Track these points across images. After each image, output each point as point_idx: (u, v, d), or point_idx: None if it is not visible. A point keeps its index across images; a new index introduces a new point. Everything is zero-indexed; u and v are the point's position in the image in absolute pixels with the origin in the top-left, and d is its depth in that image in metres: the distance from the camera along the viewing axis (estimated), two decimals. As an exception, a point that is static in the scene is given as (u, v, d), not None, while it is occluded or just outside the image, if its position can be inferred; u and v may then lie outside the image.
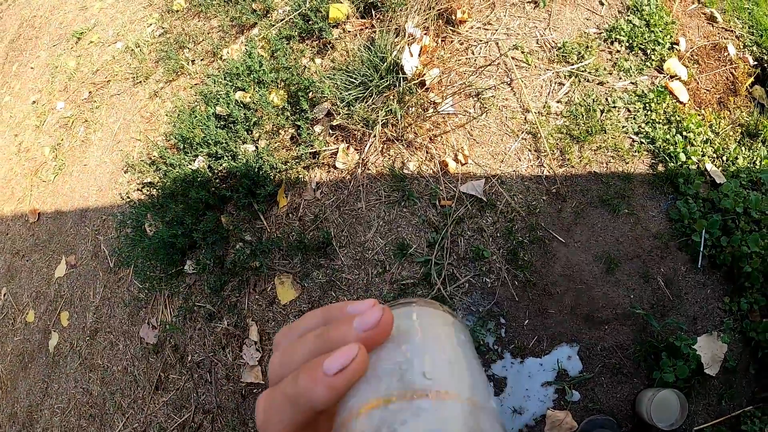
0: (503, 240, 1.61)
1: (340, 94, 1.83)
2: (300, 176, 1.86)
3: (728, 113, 1.79)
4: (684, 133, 1.69)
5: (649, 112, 1.73)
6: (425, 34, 1.91)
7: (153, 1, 2.96)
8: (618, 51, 1.85)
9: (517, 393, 1.47)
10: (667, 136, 1.68)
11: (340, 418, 0.23)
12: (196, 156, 2.00)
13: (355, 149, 1.83)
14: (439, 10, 1.95)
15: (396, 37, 1.88)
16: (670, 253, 1.56)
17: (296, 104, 1.94)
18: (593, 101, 1.76)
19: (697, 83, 1.82)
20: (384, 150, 1.79)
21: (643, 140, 1.70)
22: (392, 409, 0.21)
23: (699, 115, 1.75)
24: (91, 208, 2.43)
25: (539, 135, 1.72)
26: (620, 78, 1.80)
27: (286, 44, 2.13)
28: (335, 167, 1.84)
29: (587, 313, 1.52)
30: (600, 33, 1.89)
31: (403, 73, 1.77)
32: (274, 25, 2.27)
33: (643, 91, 1.76)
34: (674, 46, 1.86)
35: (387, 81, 1.78)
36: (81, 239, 2.39)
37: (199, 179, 1.90)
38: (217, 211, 1.94)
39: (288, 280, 1.76)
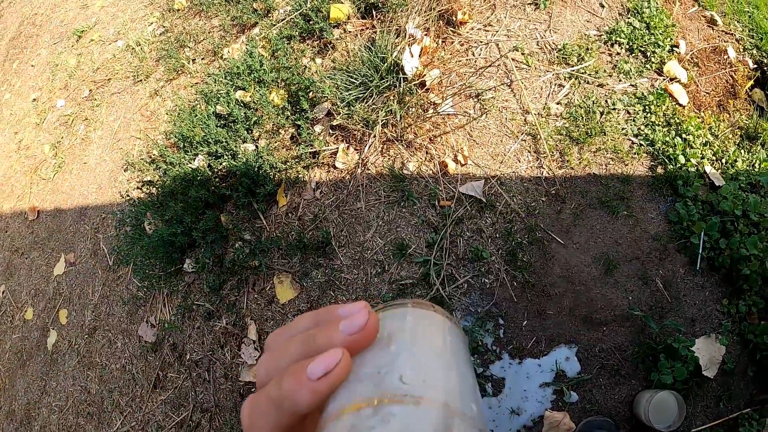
0: (502, 241, 1.61)
1: (341, 94, 1.84)
2: (300, 176, 1.86)
3: (728, 116, 1.79)
4: (683, 136, 1.69)
5: (648, 115, 1.73)
6: (426, 35, 1.92)
7: (154, 0, 2.97)
8: (618, 53, 1.86)
9: (516, 394, 1.47)
10: (667, 139, 1.68)
11: (321, 422, 0.23)
12: (196, 155, 2.00)
13: (355, 149, 1.84)
14: (439, 11, 1.95)
15: (396, 38, 1.88)
16: (668, 255, 1.57)
17: (296, 104, 1.94)
18: (593, 103, 1.76)
19: (697, 86, 1.82)
20: (384, 150, 1.80)
21: (642, 142, 1.70)
22: (363, 415, 0.21)
23: (698, 117, 1.75)
24: (90, 206, 2.43)
25: (539, 136, 1.72)
26: (620, 80, 1.81)
27: (287, 44, 2.13)
28: (335, 167, 1.84)
29: (586, 314, 1.52)
30: (600, 35, 1.90)
31: (404, 73, 1.78)
32: (275, 25, 2.27)
33: (642, 94, 1.77)
34: (674, 48, 1.86)
35: (387, 81, 1.79)
36: (80, 237, 2.39)
37: (198, 178, 1.90)
38: (217, 210, 1.94)
39: (287, 280, 1.76)
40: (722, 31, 1.95)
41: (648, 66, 1.82)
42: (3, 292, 2.56)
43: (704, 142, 1.70)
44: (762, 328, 1.44)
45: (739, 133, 1.75)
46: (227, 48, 2.39)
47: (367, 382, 0.23)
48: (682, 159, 1.64)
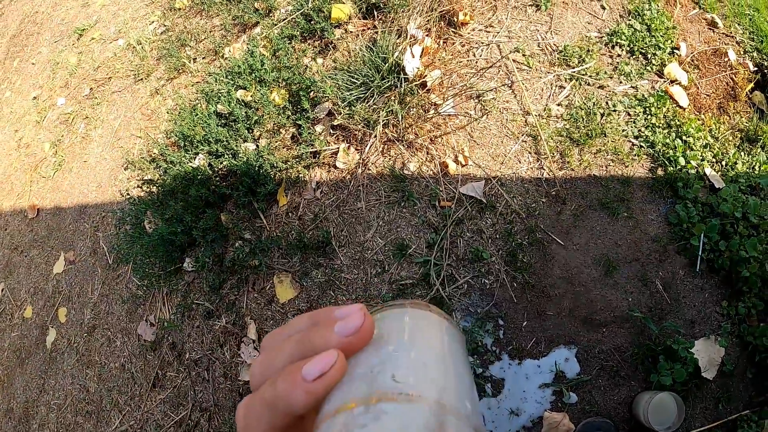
0: (502, 241, 1.61)
1: (342, 94, 1.84)
2: (300, 175, 1.86)
3: (728, 118, 1.79)
4: (684, 138, 1.69)
5: (649, 116, 1.74)
6: (427, 35, 1.92)
7: (155, -1, 2.97)
8: (619, 55, 1.86)
9: (515, 394, 1.47)
10: (667, 141, 1.69)
11: (316, 422, 0.23)
12: (197, 154, 2.00)
13: (356, 149, 1.84)
14: (441, 12, 1.95)
15: (398, 38, 1.89)
16: (668, 256, 1.57)
17: (297, 103, 1.94)
18: (594, 104, 1.76)
19: (698, 88, 1.83)
20: (384, 150, 1.80)
21: (642, 144, 1.70)
22: (355, 413, 0.21)
23: (699, 119, 1.76)
24: (90, 205, 2.43)
25: (539, 137, 1.72)
26: (621, 82, 1.81)
27: (288, 44, 2.13)
28: (335, 167, 1.84)
29: (585, 315, 1.52)
30: (601, 37, 1.90)
31: (405, 74, 1.78)
32: (276, 25, 2.27)
33: (643, 95, 1.77)
34: (675, 50, 1.86)
35: (388, 82, 1.79)
36: (80, 235, 2.39)
37: (199, 177, 1.90)
38: (217, 209, 1.94)
39: (287, 279, 1.76)
40: (723, 33, 1.96)
41: (649, 68, 1.82)
42: (2, 290, 2.56)
43: (704, 144, 1.70)
44: (761, 330, 1.44)
45: (739, 135, 1.76)
46: (228, 47, 2.39)
47: (361, 381, 0.23)
48: (682, 161, 1.64)
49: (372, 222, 1.73)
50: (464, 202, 1.67)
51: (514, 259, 1.59)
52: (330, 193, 1.82)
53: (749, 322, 1.49)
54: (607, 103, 1.77)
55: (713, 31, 1.96)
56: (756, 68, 1.88)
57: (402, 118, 1.74)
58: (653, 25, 1.87)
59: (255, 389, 0.26)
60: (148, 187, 2.05)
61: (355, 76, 1.85)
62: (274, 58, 2.14)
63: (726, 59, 1.88)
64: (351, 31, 2.09)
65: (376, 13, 2.07)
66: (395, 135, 1.77)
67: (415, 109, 1.78)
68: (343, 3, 2.09)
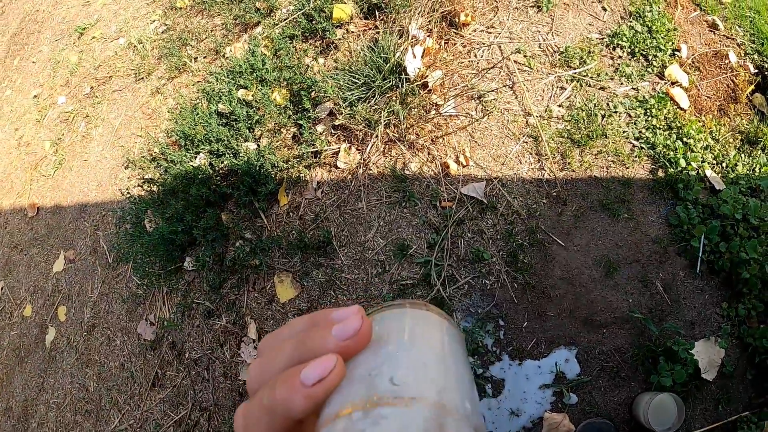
0: (503, 242, 1.62)
1: (343, 94, 1.84)
2: (301, 175, 1.86)
3: (728, 120, 1.80)
4: (684, 139, 1.70)
5: (649, 118, 1.74)
6: (428, 36, 1.92)
7: (156, -2, 2.97)
8: (620, 56, 1.86)
9: (515, 395, 1.47)
10: (668, 142, 1.69)
11: (316, 427, 0.23)
12: (198, 153, 2.00)
13: (357, 149, 1.84)
14: (442, 12, 1.96)
15: (399, 39, 1.89)
16: (669, 258, 1.57)
17: (298, 103, 1.94)
18: (594, 106, 1.76)
19: (698, 90, 1.83)
20: (386, 150, 1.80)
21: (643, 145, 1.71)
22: (354, 418, 0.21)
23: (699, 121, 1.76)
24: (90, 204, 2.43)
25: (540, 138, 1.73)
26: (622, 83, 1.81)
27: (290, 43, 2.13)
28: (336, 167, 1.84)
29: (586, 316, 1.52)
30: (602, 38, 1.90)
31: (406, 74, 1.78)
32: (277, 24, 2.27)
33: (644, 97, 1.77)
34: (676, 52, 1.87)
35: (390, 82, 1.79)
36: (80, 234, 2.39)
37: (200, 176, 1.90)
38: (218, 208, 1.94)
39: (287, 279, 1.76)
40: (723, 35, 1.96)
41: (650, 69, 1.83)
42: (2, 289, 2.56)
43: (705, 146, 1.71)
44: (761, 332, 1.44)
45: (740, 137, 1.76)
46: (229, 47, 2.39)
47: (359, 385, 0.23)
48: (682, 162, 1.65)
49: (373, 222, 1.73)
50: (465, 203, 1.67)
51: (514, 260, 1.59)
52: (331, 192, 1.82)
53: (749, 324, 1.50)
54: (608, 104, 1.78)
55: (714, 33, 1.97)
56: (756, 70, 1.89)
57: (403, 118, 1.75)
58: (654, 27, 1.88)
59: (252, 393, 0.26)
60: (148, 186, 2.04)
61: (357, 76, 1.85)
62: (275, 57, 2.14)
63: (727, 61, 1.89)
64: (352, 32, 2.09)
65: (377, 13, 2.07)
66: (396, 135, 1.78)
67: (416, 110, 1.78)
68: (345, 3, 2.09)
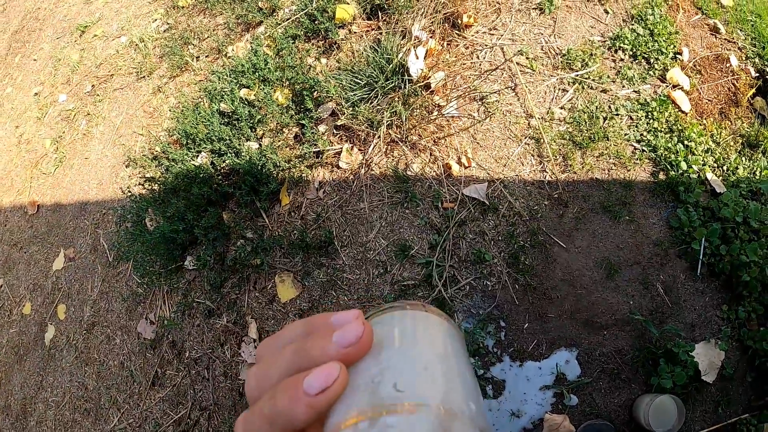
0: (505, 243, 1.62)
1: (345, 94, 1.84)
2: (303, 175, 1.87)
3: (729, 123, 1.80)
4: (685, 142, 1.70)
5: (651, 121, 1.75)
6: (431, 37, 1.93)
7: (158, -3, 2.96)
8: (622, 59, 1.87)
9: (516, 396, 1.47)
10: (669, 145, 1.70)
11: None
12: (199, 152, 2.00)
13: (359, 149, 1.84)
14: (445, 13, 1.96)
15: (402, 39, 1.89)
16: (669, 260, 1.58)
17: (301, 103, 1.94)
18: (596, 108, 1.77)
19: (699, 93, 1.84)
20: (388, 151, 1.80)
21: (644, 148, 1.71)
22: (360, 429, 0.21)
23: (700, 124, 1.77)
24: (91, 202, 2.42)
25: (542, 140, 1.73)
26: (623, 86, 1.82)
27: (292, 43, 2.13)
28: (338, 167, 1.84)
29: (587, 318, 1.53)
30: (604, 41, 1.91)
31: (409, 75, 1.78)
32: (280, 24, 2.27)
33: (645, 100, 1.78)
34: (677, 55, 1.87)
35: (392, 83, 1.79)
36: (80, 232, 2.38)
37: (201, 175, 1.90)
38: (219, 207, 1.94)
39: (289, 279, 1.76)
40: (725, 39, 1.97)
41: (651, 72, 1.83)
42: (1, 287, 2.55)
43: (706, 149, 1.71)
44: (761, 335, 1.45)
45: (741, 140, 1.77)
46: (232, 46, 2.39)
47: (362, 392, 0.23)
48: (683, 165, 1.65)
49: (375, 222, 1.73)
50: (467, 204, 1.67)
51: (516, 261, 1.59)
52: (333, 193, 1.82)
53: (749, 326, 1.50)
54: (609, 107, 1.78)
55: (715, 37, 1.98)
56: (758, 74, 1.89)
57: (406, 119, 1.75)
58: (656, 30, 1.88)
59: (251, 401, 0.26)
60: (149, 185, 2.04)
61: (359, 76, 1.85)
62: (277, 57, 2.14)
63: (728, 65, 1.89)
64: (355, 32, 2.10)
65: (380, 14, 2.07)
66: (399, 136, 1.78)
67: (418, 111, 1.78)
68: (348, 3, 2.10)
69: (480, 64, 1.90)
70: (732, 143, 1.76)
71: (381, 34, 1.99)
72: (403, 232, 1.69)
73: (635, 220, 1.62)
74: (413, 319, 0.28)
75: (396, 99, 1.77)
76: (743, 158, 1.73)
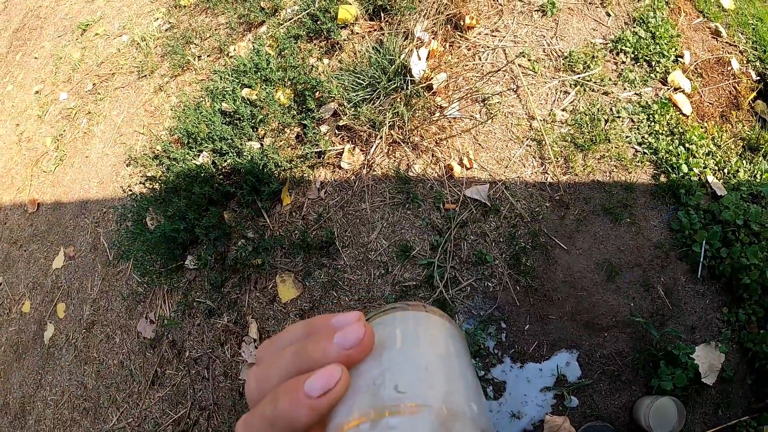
0: (506, 245, 1.62)
1: (348, 94, 1.84)
2: (305, 175, 1.87)
3: (730, 127, 1.81)
4: (686, 145, 1.71)
5: (652, 123, 1.75)
6: (433, 38, 1.93)
7: (160, -4, 2.96)
8: (623, 62, 1.87)
9: (516, 398, 1.47)
10: (670, 148, 1.70)
11: None
12: (201, 151, 2.00)
13: (361, 150, 1.84)
14: (447, 15, 1.96)
15: (404, 41, 1.89)
16: (670, 262, 1.58)
17: (303, 103, 1.94)
18: (598, 111, 1.77)
19: (701, 96, 1.84)
20: (390, 152, 1.80)
21: (646, 151, 1.72)
22: (363, 430, 0.21)
23: (702, 127, 1.77)
24: (91, 200, 2.42)
25: (544, 142, 1.73)
26: (625, 88, 1.82)
27: (294, 43, 2.14)
28: (340, 167, 1.84)
29: (587, 319, 1.53)
30: (606, 43, 1.92)
31: (411, 76, 1.78)
32: (282, 24, 2.27)
33: (647, 102, 1.78)
34: (679, 58, 1.88)
35: (394, 83, 1.79)
36: (80, 231, 2.38)
37: (202, 174, 1.90)
38: (221, 207, 1.94)
39: (289, 279, 1.76)
40: (726, 42, 1.98)
41: (653, 75, 1.84)
42: (0, 285, 2.54)
43: (707, 152, 1.72)
44: (761, 337, 1.45)
45: (741, 143, 1.77)
46: (234, 46, 2.39)
47: (364, 394, 0.23)
48: (685, 168, 1.66)
49: (376, 223, 1.73)
50: (469, 205, 1.68)
51: (517, 263, 1.59)
52: (334, 193, 1.82)
53: (749, 329, 1.50)
54: (611, 109, 1.79)
55: (717, 40, 1.98)
56: (759, 77, 1.90)
57: (408, 120, 1.75)
58: (657, 33, 1.89)
59: (252, 403, 0.26)
60: (150, 184, 2.04)
61: (361, 77, 1.85)
62: (279, 57, 2.15)
63: (729, 68, 1.90)
64: (357, 33, 2.10)
65: (382, 14, 2.08)
66: (401, 137, 1.78)
67: (420, 112, 1.78)
68: (350, 4, 2.10)
69: (482, 66, 1.90)
70: (733, 146, 1.76)
71: (383, 35, 1.99)
72: (404, 233, 1.69)
73: (636, 223, 1.63)
74: (415, 320, 0.28)
75: (398, 100, 1.77)
76: (744, 161, 1.73)
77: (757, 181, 1.68)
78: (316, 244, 1.74)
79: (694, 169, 1.66)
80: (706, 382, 1.42)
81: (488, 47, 1.94)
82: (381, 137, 1.78)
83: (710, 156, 1.72)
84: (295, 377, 0.24)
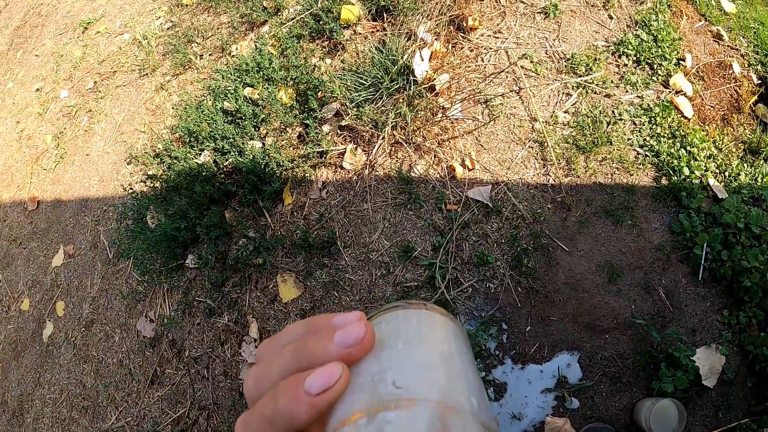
0: (508, 246, 1.62)
1: (350, 94, 1.84)
2: (306, 175, 1.86)
3: (731, 130, 1.82)
4: (688, 148, 1.71)
5: (654, 126, 1.76)
6: (436, 39, 1.93)
7: (162, -5, 2.96)
8: (625, 65, 1.88)
9: (517, 399, 1.47)
10: (672, 150, 1.71)
11: None
12: (202, 150, 2.00)
13: (363, 150, 1.84)
14: (450, 16, 1.97)
15: (407, 41, 1.90)
16: (671, 265, 1.58)
17: (305, 103, 1.94)
18: (600, 113, 1.78)
19: (702, 99, 1.85)
20: (392, 152, 1.80)
21: (647, 153, 1.72)
22: (359, 425, 0.21)
23: (703, 130, 1.78)
24: (91, 198, 2.42)
25: (546, 144, 1.74)
26: (627, 91, 1.83)
27: (297, 43, 2.14)
28: (342, 167, 1.84)
29: (588, 321, 1.53)
30: (608, 46, 1.92)
31: (414, 76, 1.79)
32: (284, 24, 2.27)
33: (648, 105, 1.79)
34: (680, 61, 1.89)
35: (397, 84, 1.80)
36: (80, 229, 2.37)
37: (204, 173, 1.90)
38: (222, 206, 1.94)
39: (290, 279, 1.76)
40: (728, 46, 1.98)
41: (654, 78, 1.84)
42: (0, 282, 2.54)
43: (708, 155, 1.72)
44: (761, 340, 1.46)
45: (743, 147, 1.78)
46: (236, 45, 2.39)
47: (362, 392, 0.23)
48: (686, 171, 1.66)
49: (378, 223, 1.73)
50: (471, 206, 1.68)
51: (519, 264, 1.59)
52: (336, 193, 1.82)
53: (750, 332, 1.51)
54: (613, 111, 1.79)
55: (718, 44, 1.99)
56: (760, 81, 1.91)
57: (410, 120, 1.75)
58: (660, 36, 1.89)
59: (250, 401, 0.25)
60: (151, 182, 2.04)
61: (364, 77, 1.85)
62: (282, 56, 2.14)
63: (730, 71, 1.91)
64: (360, 33, 2.10)
65: (385, 15, 2.08)
66: (403, 137, 1.78)
67: (423, 112, 1.79)
68: (353, 4, 2.10)
69: (484, 67, 1.91)
70: (734, 149, 1.77)
71: (386, 35, 1.99)
72: (406, 234, 1.69)
73: (638, 225, 1.63)
74: (416, 317, 0.28)
75: (401, 100, 1.78)
76: (745, 164, 1.74)
77: (758, 184, 1.69)
78: (318, 243, 1.74)
79: (696, 171, 1.67)
80: (706, 384, 1.42)
81: (491, 49, 1.94)
82: (383, 137, 1.78)
83: (711, 159, 1.72)
84: (295, 375, 0.24)
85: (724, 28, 2.01)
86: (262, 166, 1.83)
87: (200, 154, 2.00)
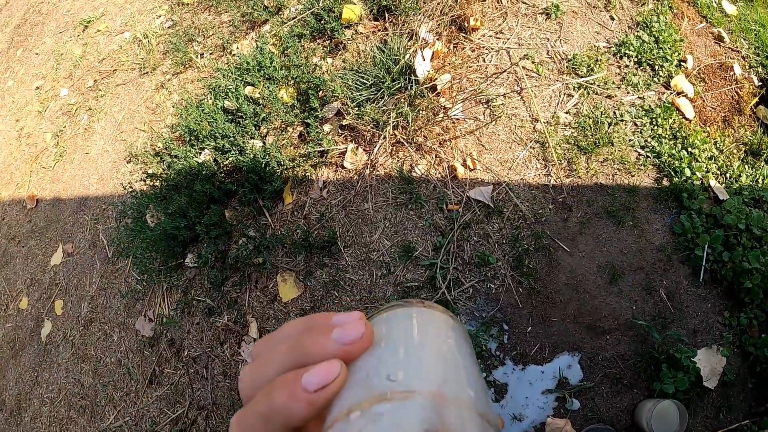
0: (509, 247, 1.62)
1: (351, 94, 1.84)
2: (307, 174, 1.86)
3: (732, 131, 1.82)
4: (689, 149, 1.71)
5: (655, 127, 1.75)
6: (438, 39, 1.93)
7: (163, -7, 2.95)
8: (627, 66, 1.88)
9: (518, 400, 1.47)
10: (673, 152, 1.70)
11: None
12: (203, 149, 1.99)
13: (364, 150, 1.84)
14: (452, 16, 1.97)
15: (409, 41, 1.89)
16: (672, 266, 1.58)
17: (306, 102, 1.94)
18: (601, 114, 1.78)
19: (703, 101, 1.85)
20: (393, 152, 1.80)
21: (649, 154, 1.72)
22: (352, 419, 0.21)
23: (704, 132, 1.78)
24: (91, 197, 2.41)
25: (547, 144, 1.73)
26: (628, 92, 1.83)
27: (298, 42, 2.13)
28: (343, 167, 1.84)
29: (590, 322, 1.53)
30: (610, 47, 1.92)
31: (415, 76, 1.78)
32: (285, 23, 2.27)
33: (650, 106, 1.79)
34: (682, 63, 1.89)
35: (398, 83, 1.79)
36: (79, 227, 2.36)
37: (204, 172, 1.89)
38: (222, 205, 1.93)
39: (291, 278, 1.75)
40: (729, 47, 1.98)
41: (656, 79, 1.84)
42: (-3, 281, 2.52)
43: (709, 156, 1.72)
44: (762, 341, 1.45)
45: (744, 148, 1.78)
46: (236, 44, 2.38)
47: (357, 387, 0.23)
48: (687, 172, 1.66)
49: (378, 223, 1.73)
50: (472, 206, 1.67)
51: (520, 265, 1.59)
52: (337, 192, 1.82)
53: (751, 333, 1.51)
54: (614, 112, 1.79)
55: (719, 45, 1.99)
56: (761, 83, 1.91)
57: (411, 120, 1.75)
58: (661, 38, 1.90)
59: (246, 399, 0.25)
60: (151, 181, 2.03)
61: (365, 76, 1.85)
62: (283, 56, 2.14)
63: (731, 73, 1.91)
64: (361, 32, 2.10)
65: (386, 15, 2.08)
66: (404, 137, 1.78)
67: (424, 112, 1.78)
68: (354, 4, 2.10)
69: (486, 68, 1.91)
70: (735, 151, 1.77)
71: (387, 35, 1.99)
72: (407, 234, 1.69)
73: (639, 226, 1.63)
74: (417, 314, 0.28)
75: (402, 100, 1.77)
76: (746, 166, 1.74)
77: (759, 185, 1.69)
78: (318, 243, 1.74)
79: (697, 173, 1.66)
80: (707, 385, 1.42)
81: (492, 49, 1.94)
82: (384, 137, 1.77)
83: (712, 160, 1.72)
84: (292, 371, 0.23)
85: (725, 29, 2.01)
86: (263, 165, 1.82)
87: (200, 152, 1.99)
